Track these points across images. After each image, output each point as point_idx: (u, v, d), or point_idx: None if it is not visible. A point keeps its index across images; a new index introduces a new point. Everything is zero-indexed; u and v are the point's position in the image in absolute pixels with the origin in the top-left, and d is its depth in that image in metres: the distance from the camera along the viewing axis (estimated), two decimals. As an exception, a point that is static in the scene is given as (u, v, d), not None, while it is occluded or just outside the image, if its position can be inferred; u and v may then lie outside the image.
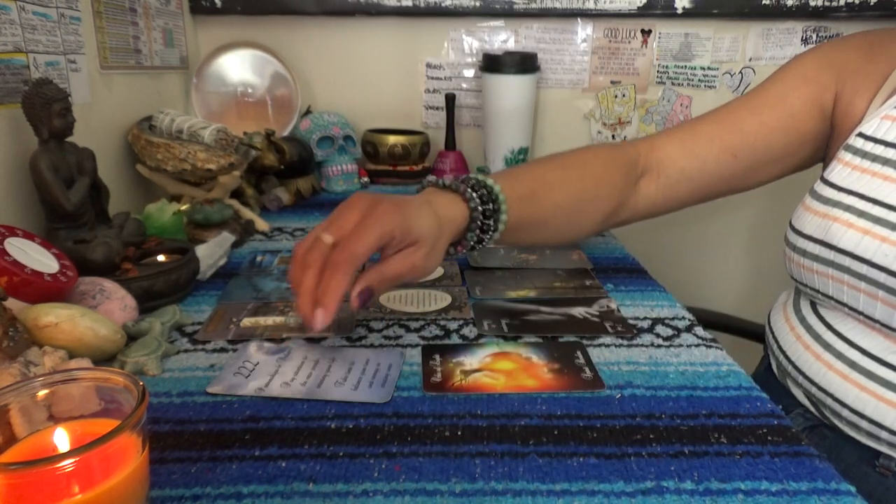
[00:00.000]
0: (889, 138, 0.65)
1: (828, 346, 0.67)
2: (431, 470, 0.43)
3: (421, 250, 0.57)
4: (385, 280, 0.57)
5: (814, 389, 0.68)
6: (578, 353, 0.58)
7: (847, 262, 0.64)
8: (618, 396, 0.51)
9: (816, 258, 0.68)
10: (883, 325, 0.64)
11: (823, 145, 0.78)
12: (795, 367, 0.71)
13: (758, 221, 1.41)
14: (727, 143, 0.78)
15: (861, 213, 0.64)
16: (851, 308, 0.67)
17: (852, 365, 0.65)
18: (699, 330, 0.63)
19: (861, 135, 0.68)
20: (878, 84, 0.70)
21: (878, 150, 0.65)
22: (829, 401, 0.66)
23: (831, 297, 0.69)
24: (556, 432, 0.47)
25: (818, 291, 0.70)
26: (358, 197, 0.58)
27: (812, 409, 0.70)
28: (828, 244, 0.66)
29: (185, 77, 1.21)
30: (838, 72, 0.74)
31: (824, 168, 0.72)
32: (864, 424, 0.63)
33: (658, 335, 0.62)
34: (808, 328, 0.71)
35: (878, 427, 0.62)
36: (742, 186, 0.81)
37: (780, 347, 0.74)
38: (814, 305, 0.72)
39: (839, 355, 0.66)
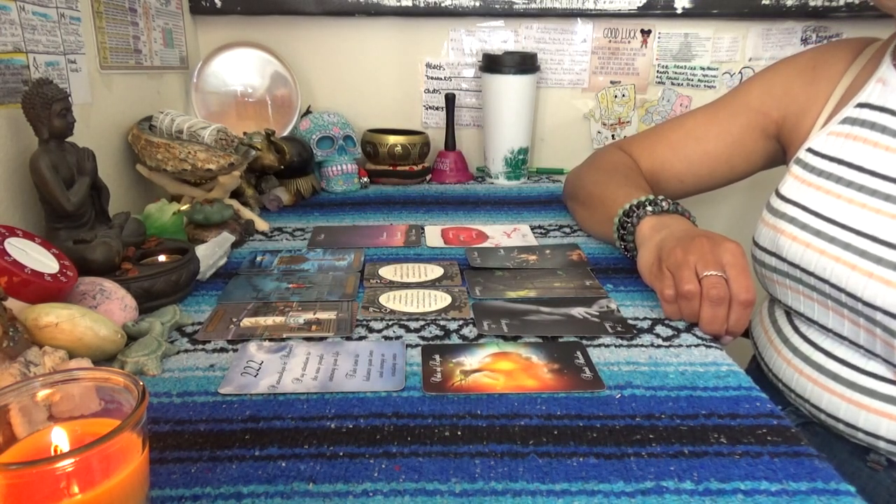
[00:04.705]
0: (832, 153, 0.67)
1: (807, 359, 0.68)
2: (431, 470, 0.43)
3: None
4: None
5: (807, 406, 0.69)
6: (578, 354, 0.58)
7: (798, 273, 0.66)
8: (618, 396, 0.51)
9: (775, 270, 0.70)
10: (835, 334, 0.65)
11: (776, 156, 0.83)
12: (784, 385, 0.72)
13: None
14: (676, 171, 0.89)
15: (804, 226, 0.66)
16: (809, 318, 0.68)
17: (835, 377, 0.65)
18: (699, 330, 0.63)
19: (810, 150, 0.70)
20: (823, 103, 0.73)
21: (823, 164, 0.68)
22: (822, 416, 0.67)
23: (792, 308, 0.70)
24: (555, 432, 0.47)
25: (783, 302, 0.72)
26: (692, 242, 0.63)
27: (801, 408, 0.71)
28: (779, 256, 0.68)
29: (185, 77, 1.21)
30: (781, 98, 0.79)
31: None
32: (860, 436, 0.64)
33: (658, 335, 0.62)
34: (785, 340, 0.72)
35: (874, 438, 0.63)
36: (697, 192, 0.92)
37: (766, 365, 0.75)
38: (788, 315, 0.73)
39: (819, 367, 0.67)
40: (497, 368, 0.55)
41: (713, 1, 1.22)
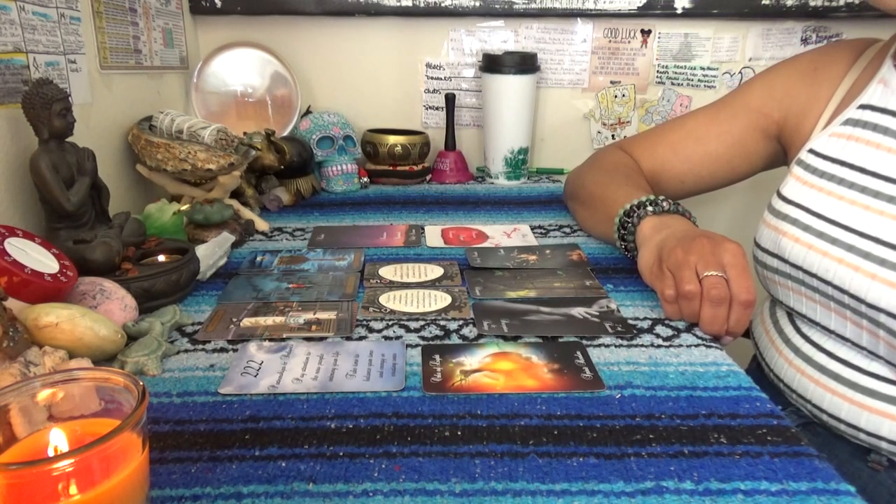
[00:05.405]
0: (834, 154, 0.68)
1: (809, 360, 0.68)
2: (431, 470, 0.43)
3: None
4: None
5: (809, 406, 0.69)
6: (578, 354, 0.58)
7: (800, 275, 0.66)
8: (618, 396, 0.51)
9: (777, 271, 0.70)
10: (838, 335, 0.65)
11: (777, 157, 0.84)
12: (786, 385, 0.72)
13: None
14: (677, 171, 0.89)
15: (806, 227, 0.66)
16: (811, 319, 0.68)
17: (837, 377, 0.65)
18: (699, 330, 0.63)
19: (812, 151, 0.71)
20: (824, 104, 0.73)
21: (825, 165, 0.68)
22: (824, 416, 0.67)
23: (793, 309, 0.70)
24: (555, 432, 0.47)
25: (784, 304, 0.72)
26: (692, 242, 0.63)
27: (803, 408, 0.71)
28: (781, 257, 0.68)
29: (185, 77, 1.21)
30: (782, 99, 0.79)
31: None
32: (861, 437, 0.64)
33: (658, 335, 0.62)
34: (787, 341, 0.72)
35: (875, 438, 0.63)
36: (697, 193, 0.92)
37: (767, 366, 0.75)
38: (790, 315, 0.73)
39: (821, 368, 0.67)
40: (497, 368, 0.55)
41: (713, 1, 1.22)
